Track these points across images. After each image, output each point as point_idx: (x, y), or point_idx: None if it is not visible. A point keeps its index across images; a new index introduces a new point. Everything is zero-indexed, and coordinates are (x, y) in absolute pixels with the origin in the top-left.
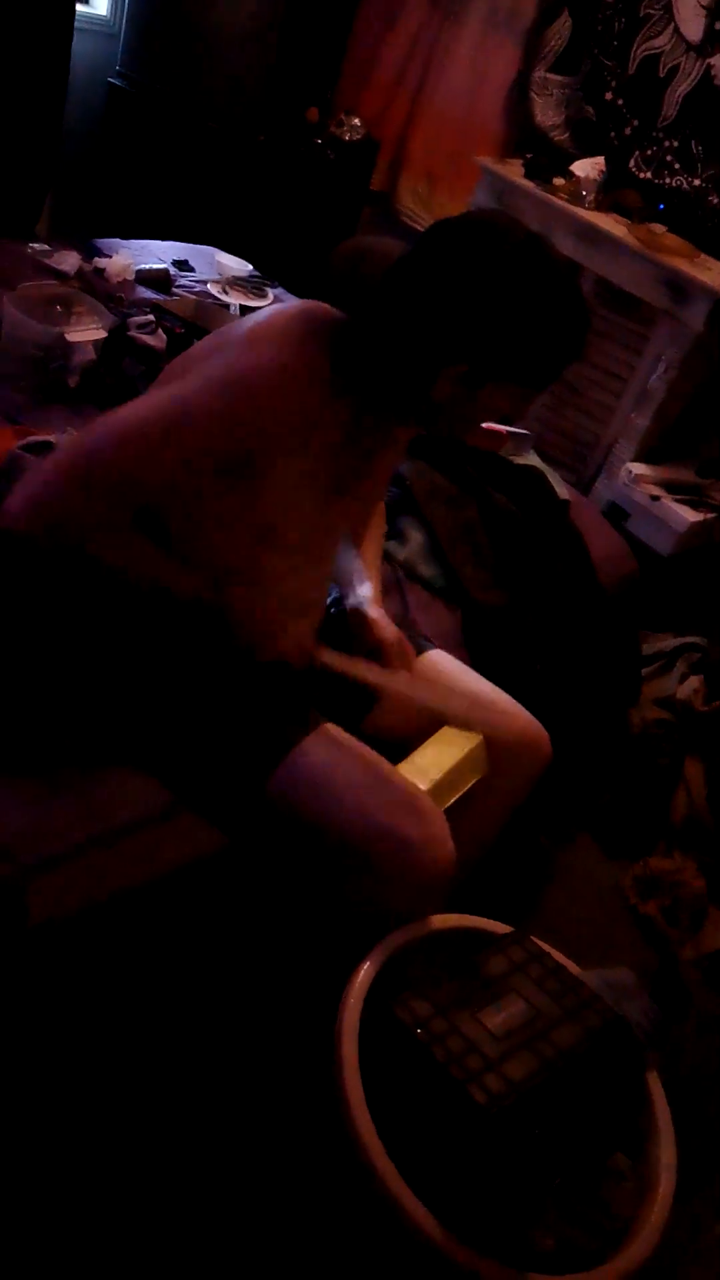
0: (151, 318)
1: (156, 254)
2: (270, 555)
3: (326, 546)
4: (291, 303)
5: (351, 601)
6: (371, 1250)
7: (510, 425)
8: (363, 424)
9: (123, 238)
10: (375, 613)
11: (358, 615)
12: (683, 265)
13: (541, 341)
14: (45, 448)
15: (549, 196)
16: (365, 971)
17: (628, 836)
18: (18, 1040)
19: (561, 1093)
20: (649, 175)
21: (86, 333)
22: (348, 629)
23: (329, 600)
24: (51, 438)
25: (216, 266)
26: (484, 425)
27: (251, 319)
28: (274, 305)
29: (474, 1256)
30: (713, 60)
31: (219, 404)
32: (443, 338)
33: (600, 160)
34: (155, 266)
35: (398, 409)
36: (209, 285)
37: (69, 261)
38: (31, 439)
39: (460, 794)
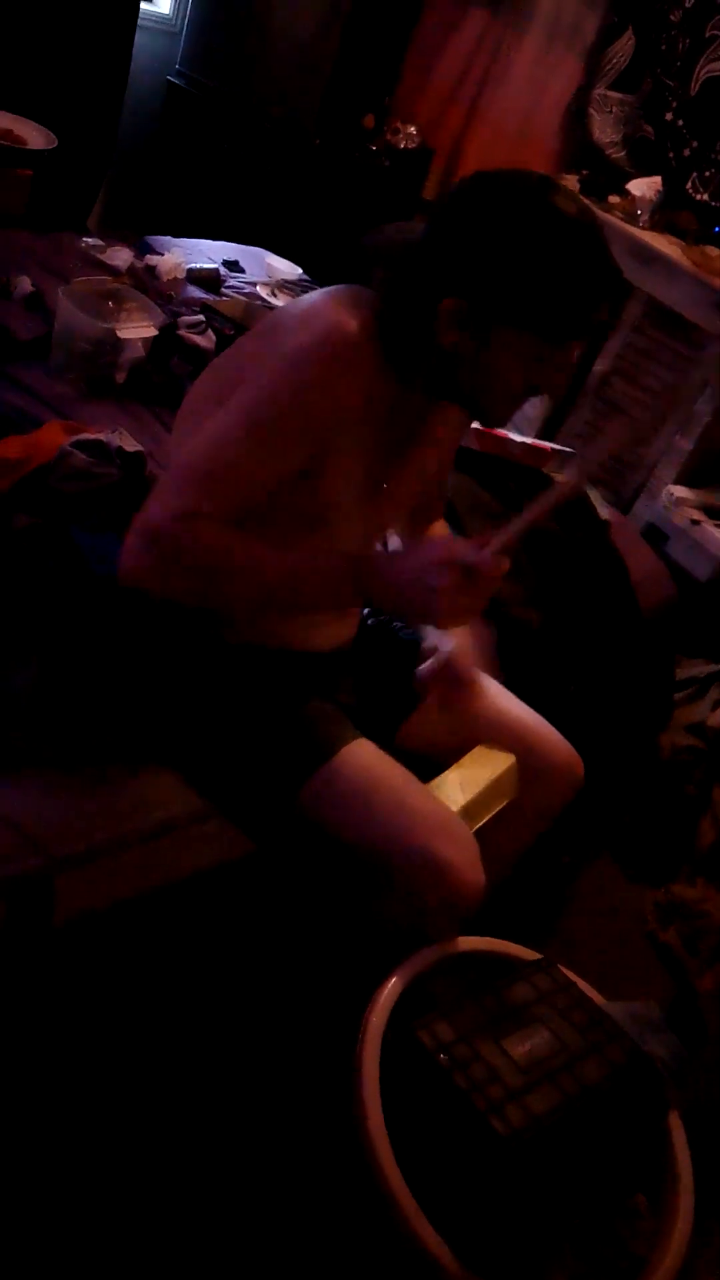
0: (201, 318)
1: (207, 253)
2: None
3: (362, 545)
4: (335, 290)
5: (430, 642)
6: (384, 1276)
7: (539, 395)
8: (404, 407)
9: (174, 235)
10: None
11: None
12: None
13: (541, 278)
14: (96, 447)
15: (603, 214)
16: (390, 988)
17: (651, 861)
18: (41, 1033)
19: (583, 1129)
20: (706, 197)
21: (137, 330)
22: (383, 646)
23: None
24: (102, 436)
25: (266, 269)
26: (532, 443)
27: (290, 308)
28: (308, 296)
29: None
30: None
31: (290, 401)
32: (436, 267)
33: (657, 180)
34: (206, 266)
35: (415, 364)
36: (258, 287)
37: (121, 257)
38: (82, 436)
39: (490, 816)
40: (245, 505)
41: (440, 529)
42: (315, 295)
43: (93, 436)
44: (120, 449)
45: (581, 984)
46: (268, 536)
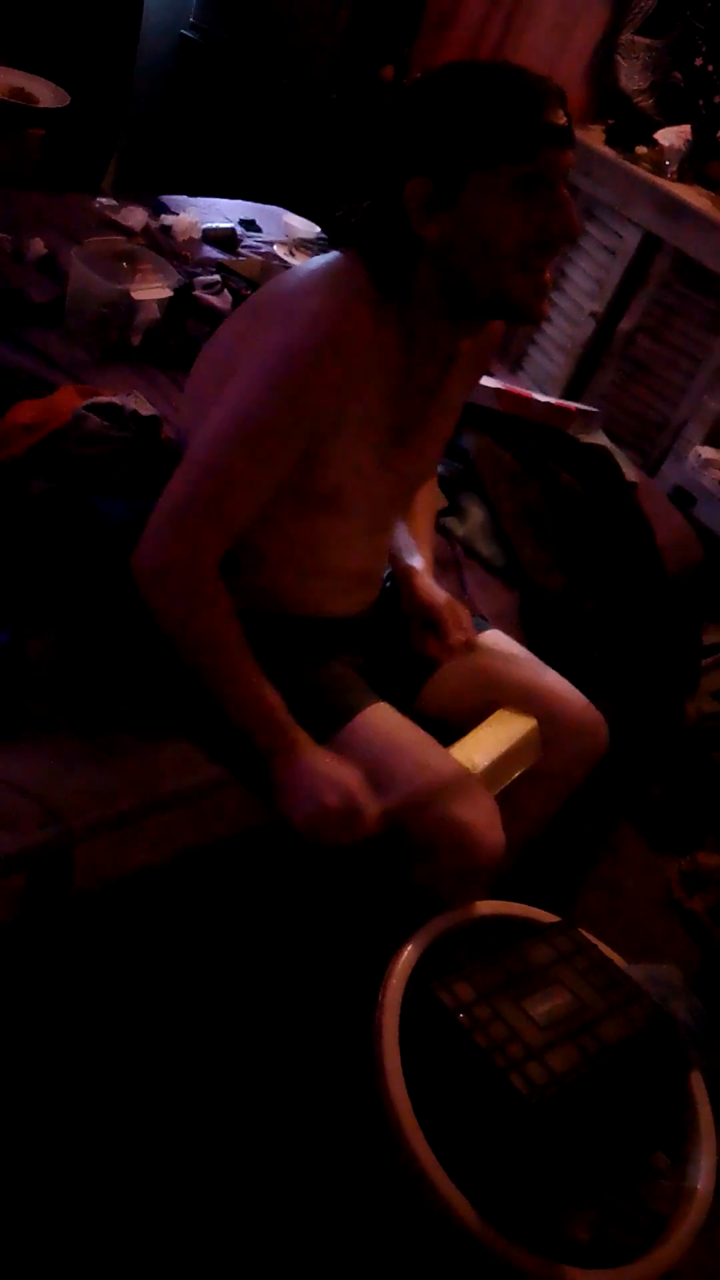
0: (218, 278)
1: (223, 213)
2: (334, 521)
3: (385, 513)
4: (320, 261)
5: (401, 571)
6: (405, 1234)
7: (553, 249)
8: (414, 354)
9: (190, 195)
10: (423, 581)
11: (407, 584)
12: None
13: (478, 104)
14: (111, 410)
15: (630, 166)
16: (409, 952)
17: (676, 830)
18: (61, 1001)
19: (604, 1087)
20: None
21: (152, 291)
22: (399, 603)
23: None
24: (117, 399)
25: (284, 228)
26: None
27: (278, 288)
28: (292, 272)
29: (509, 1245)
30: None
31: (280, 402)
32: (391, 166)
33: (686, 129)
34: (222, 226)
35: (415, 287)
36: (275, 247)
37: (135, 218)
38: (97, 400)
39: (512, 779)
40: (251, 517)
41: (429, 491)
42: (301, 277)
43: (107, 400)
44: (135, 412)
45: (602, 946)
46: (277, 526)
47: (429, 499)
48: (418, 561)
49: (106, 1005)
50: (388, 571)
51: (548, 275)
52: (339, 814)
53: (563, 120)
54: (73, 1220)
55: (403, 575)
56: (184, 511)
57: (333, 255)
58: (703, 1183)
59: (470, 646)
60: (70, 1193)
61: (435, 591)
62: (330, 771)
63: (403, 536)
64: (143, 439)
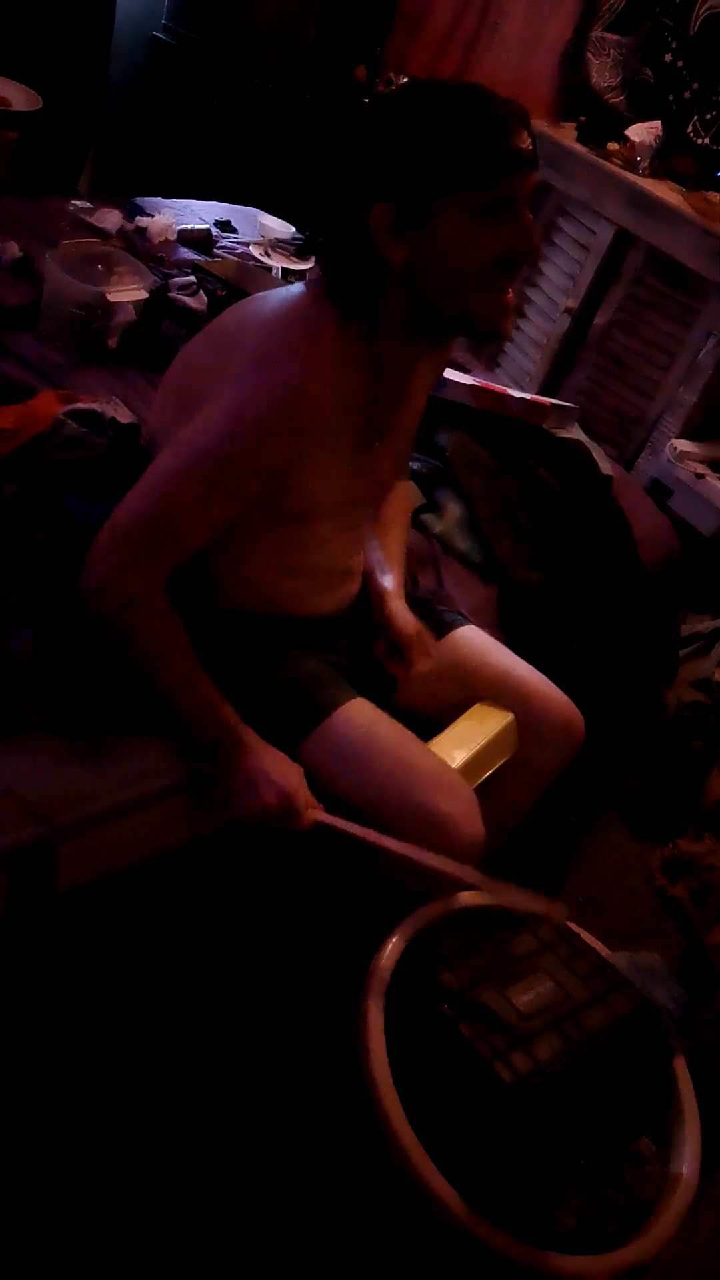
0: (193, 279)
1: (199, 214)
2: (308, 527)
3: (359, 512)
4: (282, 294)
5: (374, 591)
6: (393, 1223)
7: (515, 270)
8: (380, 372)
9: (165, 196)
10: (395, 605)
11: (379, 605)
12: None
13: (443, 130)
14: (90, 417)
15: (602, 162)
16: (393, 945)
17: (657, 818)
18: (45, 1001)
19: (588, 1075)
20: (707, 141)
21: (128, 293)
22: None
23: None
24: (96, 406)
25: (259, 228)
26: (530, 398)
27: (248, 328)
28: (259, 307)
29: (495, 1232)
30: None
31: (249, 442)
32: (355, 189)
33: (657, 125)
34: (197, 227)
35: (381, 310)
36: (251, 247)
37: (110, 220)
38: (77, 406)
39: (490, 772)
40: (200, 544)
41: (402, 491)
42: (268, 317)
43: (87, 406)
44: (114, 419)
45: (585, 935)
46: (251, 531)
47: (401, 506)
48: (389, 581)
49: (91, 1004)
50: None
51: (510, 295)
52: (276, 810)
53: (527, 144)
54: (56, 1218)
55: (375, 595)
56: (131, 537)
57: (297, 290)
58: (687, 1167)
59: (427, 672)
60: (54, 1189)
61: (406, 618)
62: (271, 770)
63: (375, 553)
64: (120, 445)
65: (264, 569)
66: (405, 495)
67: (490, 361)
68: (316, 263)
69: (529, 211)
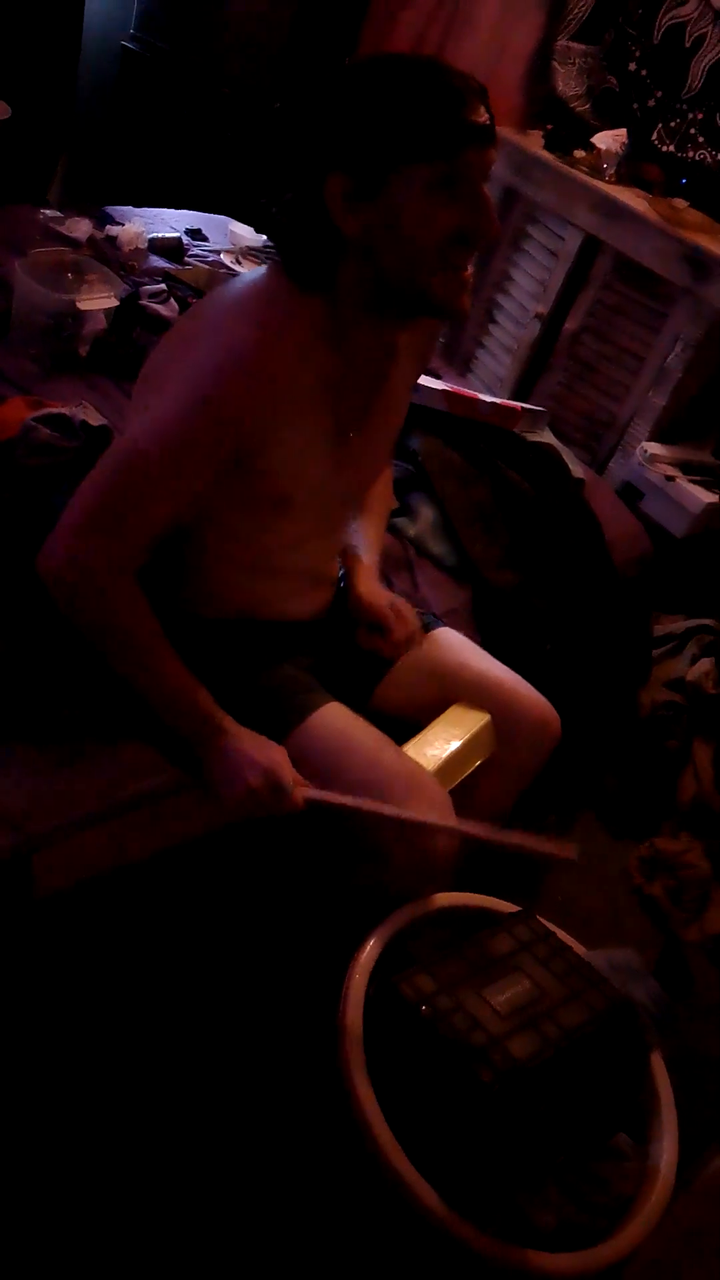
0: (164, 287)
1: (169, 222)
2: (285, 523)
3: (336, 513)
4: (244, 275)
5: (348, 570)
6: (373, 1225)
7: (472, 246)
8: (347, 354)
9: (135, 205)
10: (368, 584)
11: (352, 586)
12: (704, 241)
13: (398, 100)
14: (60, 421)
15: (569, 169)
16: (370, 948)
17: (634, 817)
18: (22, 1009)
19: (565, 1072)
20: (672, 148)
21: (98, 301)
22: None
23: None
24: (65, 410)
25: (230, 236)
26: (501, 403)
27: (208, 306)
28: (223, 289)
29: (474, 1231)
30: None
31: (209, 408)
32: (310, 162)
33: (622, 132)
34: (168, 235)
35: (325, 271)
36: (222, 255)
37: (81, 228)
38: (46, 411)
39: (467, 774)
40: (161, 525)
41: (386, 478)
42: (228, 297)
43: (56, 411)
44: (84, 423)
45: (561, 933)
46: (229, 527)
47: (382, 497)
48: (365, 557)
49: (68, 1010)
50: (341, 573)
51: (469, 273)
52: (263, 792)
53: (484, 118)
54: (38, 1218)
55: (349, 576)
56: (93, 514)
57: (259, 271)
58: (665, 1162)
59: (416, 641)
60: (34, 1187)
61: (379, 592)
62: (253, 752)
63: (353, 535)
64: (92, 449)
65: (240, 569)
66: (387, 486)
67: (463, 367)
68: (270, 236)
69: (485, 188)
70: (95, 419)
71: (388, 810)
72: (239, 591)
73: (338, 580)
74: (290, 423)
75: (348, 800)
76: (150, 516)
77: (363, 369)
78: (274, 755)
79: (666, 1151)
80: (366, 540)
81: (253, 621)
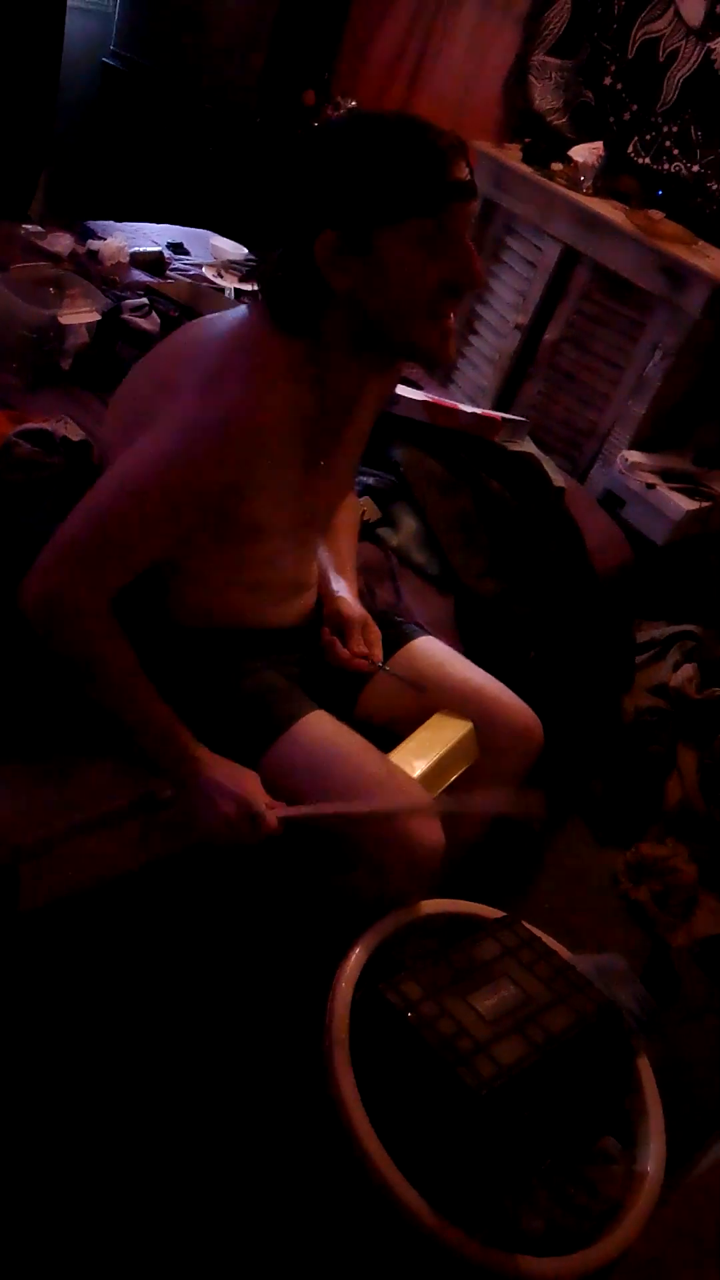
0: (145, 301)
1: (151, 237)
2: (257, 545)
3: (307, 530)
4: (229, 317)
5: (325, 595)
6: (361, 1231)
7: (459, 296)
8: (326, 397)
9: (116, 220)
10: (342, 599)
11: (330, 606)
12: (680, 252)
13: (385, 158)
14: (41, 436)
15: (547, 182)
16: (357, 955)
17: (620, 823)
18: (8, 1021)
19: (551, 1076)
20: (647, 160)
21: (80, 315)
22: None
23: None
24: (48, 426)
25: (211, 250)
26: (482, 413)
27: (195, 349)
28: (208, 330)
29: (463, 1237)
30: (713, 44)
31: (198, 467)
32: (301, 219)
33: (599, 145)
34: (149, 249)
35: (313, 321)
36: (204, 268)
37: (62, 243)
38: (27, 426)
39: (451, 780)
40: (144, 564)
41: (348, 507)
42: (214, 343)
43: (37, 426)
44: (65, 438)
45: (546, 938)
46: (203, 551)
47: (349, 514)
48: (341, 587)
49: (55, 1023)
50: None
51: (451, 321)
52: (238, 821)
53: (465, 174)
54: (27, 1233)
55: (326, 599)
56: (71, 555)
57: (243, 313)
58: (652, 1165)
59: (373, 665)
60: (27, 1203)
61: (353, 606)
62: (226, 781)
63: (325, 558)
64: (73, 465)
65: (217, 587)
66: (352, 503)
67: (444, 378)
68: (257, 285)
69: (469, 239)
70: (76, 434)
71: (358, 807)
72: (217, 605)
73: (316, 584)
74: (268, 468)
75: (320, 808)
76: (129, 562)
77: (337, 405)
78: (246, 783)
79: (654, 1155)
80: (340, 561)
81: (234, 630)
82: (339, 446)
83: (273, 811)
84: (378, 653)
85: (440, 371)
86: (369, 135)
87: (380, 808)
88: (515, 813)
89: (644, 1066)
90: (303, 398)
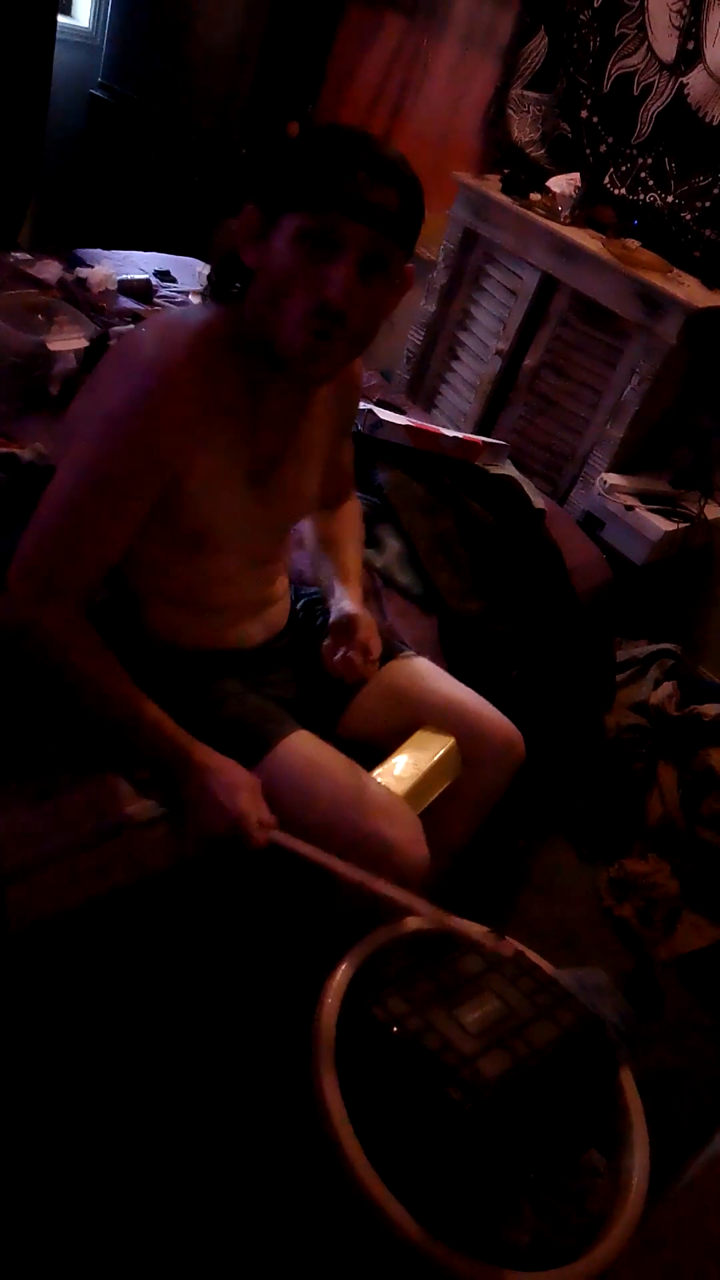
0: (133, 328)
1: (138, 264)
2: (212, 558)
3: (263, 547)
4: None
5: (335, 612)
6: (348, 1246)
7: (321, 305)
8: (257, 394)
9: (105, 248)
10: (347, 603)
11: (333, 618)
12: (656, 280)
13: (301, 153)
14: (8, 460)
15: (525, 212)
16: (343, 972)
17: (602, 839)
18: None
19: (535, 1090)
20: (623, 191)
21: (68, 342)
22: (313, 633)
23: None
24: (16, 450)
25: (198, 277)
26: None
27: (119, 347)
28: (141, 324)
29: (449, 1252)
30: (685, 79)
31: (119, 450)
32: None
33: (576, 176)
34: (137, 277)
35: (231, 284)
36: (190, 296)
37: (50, 271)
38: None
39: (435, 797)
40: (105, 563)
41: (352, 510)
42: (144, 329)
43: (5, 450)
44: (31, 463)
45: (529, 953)
46: (159, 566)
47: (351, 525)
48: (343, 595)
49: (44, 1044)
50: (306, 598)
51: (320, 344)
52: (226, 835)
53: (365, 193)
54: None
55: (332, 609)
56: (34, 568)
57: (167, 314)
58: (637, 1179)
59: (366, 670)
60: (19, 1215)
61: (355, 611)
62: (221, 795)
63: (327, 569)
64: (31, 488)
65: (173, 605)
66: (356, 514)
67: (427, 402)
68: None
69: (351, 266)
70: (43, 460)
71: (343, 869)
72: (178, 625)
73: (286, 597)
74: (202, 446)
75: (309, 850)
76: (88, 563)
77: (273, 411)
78: (241, 802)
79: (638, 1168)
80: (346, 573)
81: (210, 652)
82: (287, 461)
83: (264, 831)
84: (371, 669)
85: (423, 392)
86: (316, 134)
87: (373, 886)
88: (485, 945)
89: (627, 1080)
90: (227, 382)
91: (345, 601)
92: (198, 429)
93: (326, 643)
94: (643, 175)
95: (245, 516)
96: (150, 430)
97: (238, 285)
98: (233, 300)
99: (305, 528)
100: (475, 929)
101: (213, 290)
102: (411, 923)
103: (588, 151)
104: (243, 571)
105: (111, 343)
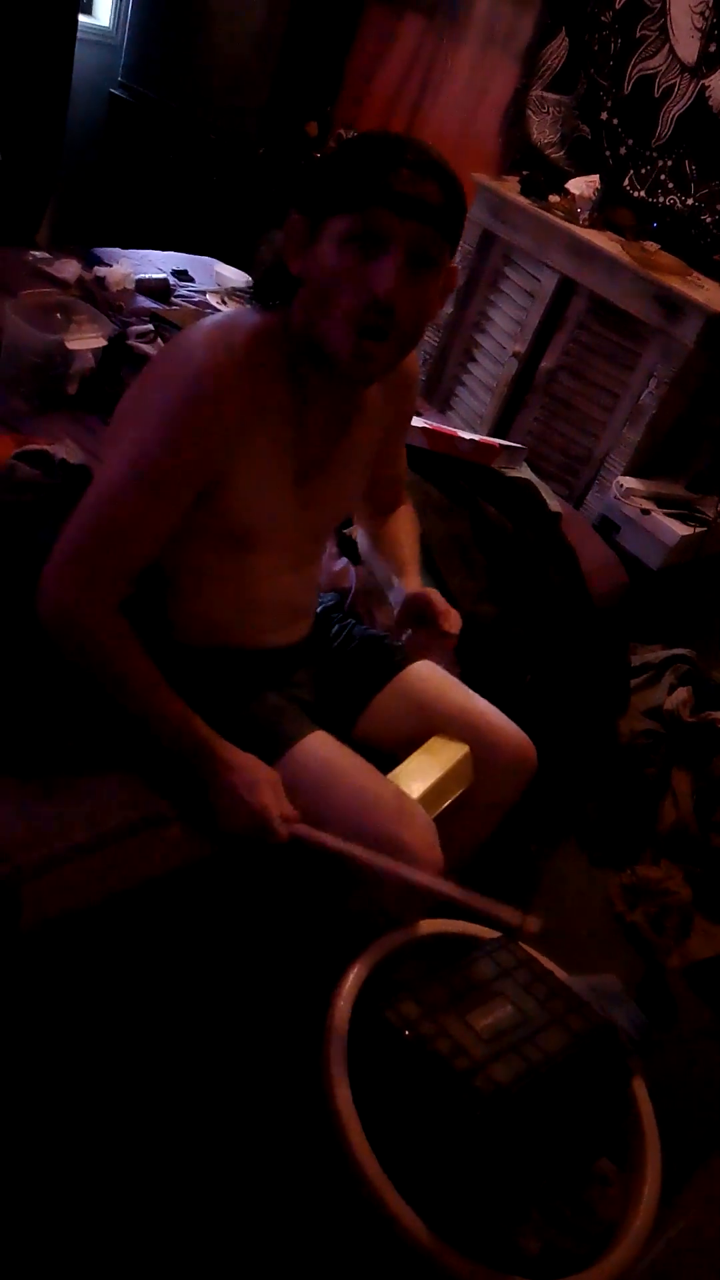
0: (150, 327)
1: (156, 264)
2: (255, 558)
3: (304, 549)
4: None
5: (394, 596)
6: (358, 1252)
7: (369, 312)
8: (305, 399)
9: (123, 247)
10: (416, 587)
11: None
12: (675, 283)
13: (343, 156)
14: (41, 457)
15: (544, 214)
16: (355, 974)
17: (615, 845)
18: (9, 1042)
19: (548, 1096)
20: (643, 194)
21: (86, 341)
22: (340, 641)
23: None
24: (48, 447)
25: (215, 277)
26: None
27: (169, 347)
28: (191, 327)
29: (460, 1259)
30: (707, 81)
31: (170, 447)
32: (290, 198)
33: (595, 178)
34: (155, 276)
35: (279, 292)
36: (208, 295)
37: (69, 270)
38: (28, 447)
39: (448, 803)
40: (146, 557)
41: (406, 513)
42: (195, 331)
43: (37, 448)
44: (64, 460)
45: (542, 959)
46: (202, 565)
47: (406, 524)
48: (410, 582)
49: (56, 1042)
50: (322, 605)
51: (369, 344)
52: (249, 831)
53: (407, 188)
54: (20, 1249)
55: (406, 592)
56: (78, 556)
57: (232, 309)
58: (648, 1187)
59: (447, 645)
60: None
61: (431, 591)
62: (244, 792)
63: (382, 565)
64: (70, 487)
65: (215, 604)
66: (411, 516)
67: (443, 404)
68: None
69: (400, 260)
70: (75, 457)
71: (367, 857)
72: (217, 623)
73: (314, 612)
74: (249, 446)
75: (331, 841)
76: (130, 556)
77: (319, 417)
78: (263, 796)
79: (650, 1176)
80: (405, 562)
81: (235, 650)
82: (328, 466)
83: (286, 825)
84: (452, 640)
85: (439, 395)
86: (353, 139)
87: (397, 871)
88: (512, 923)
89: (639, 1088)
90: (276, 383)
91: (409, 584)
92: (247, 429)
93: (396, 624)
94: (662, 178)
95: (288, 518)
96: (202, 428)
97: (279, 299)
98: (278, 307)
99: (360, 536)
100: (503, 909)
101: (257, 298)
102: (425, 926)
103: (607, 154)
104: (281, 572)
105: (130, 342)
